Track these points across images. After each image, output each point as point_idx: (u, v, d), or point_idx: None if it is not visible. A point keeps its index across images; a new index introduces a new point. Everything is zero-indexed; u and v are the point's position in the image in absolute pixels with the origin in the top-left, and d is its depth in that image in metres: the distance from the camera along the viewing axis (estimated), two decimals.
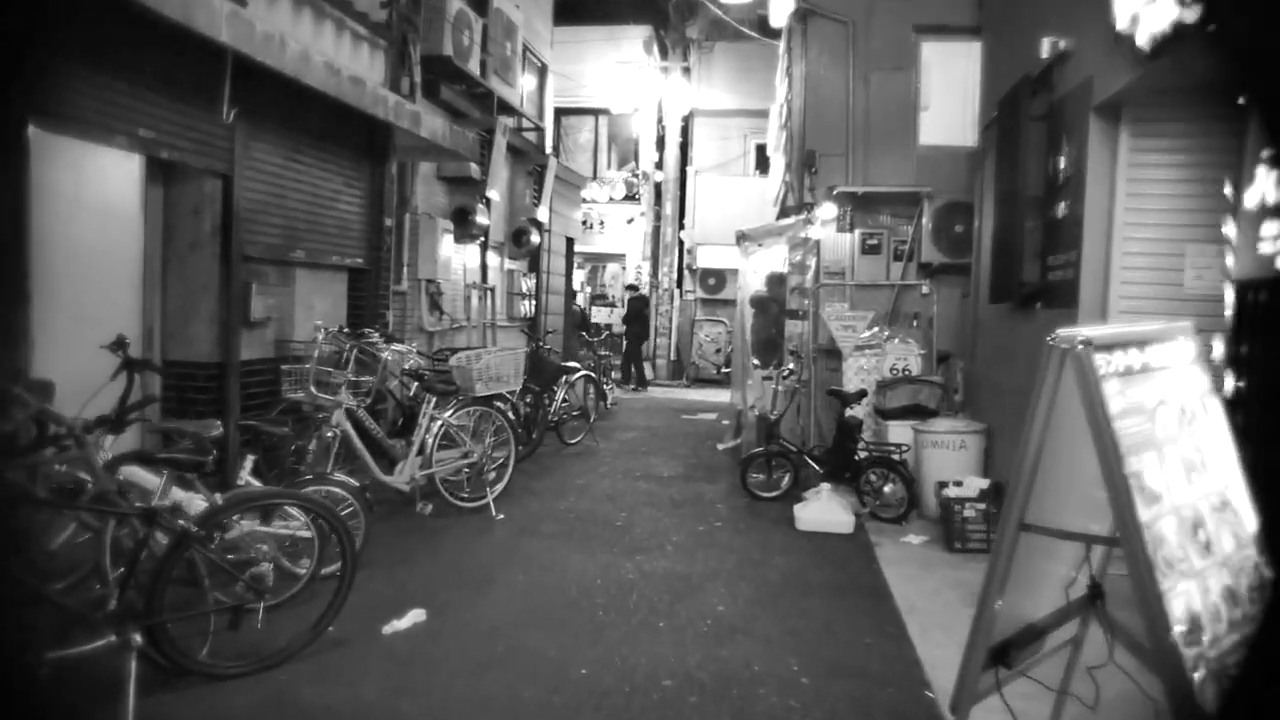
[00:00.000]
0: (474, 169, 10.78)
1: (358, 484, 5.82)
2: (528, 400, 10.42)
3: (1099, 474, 2.60)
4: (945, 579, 6.03)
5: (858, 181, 10.05)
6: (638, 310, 19.23)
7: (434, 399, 7.27)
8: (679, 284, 23.12)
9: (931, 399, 8.38)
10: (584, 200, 20.94)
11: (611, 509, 7.94)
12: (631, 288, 20.97)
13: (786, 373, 8.89)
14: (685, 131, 23.25)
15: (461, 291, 11.30)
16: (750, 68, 22.81)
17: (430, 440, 7.21)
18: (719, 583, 5.93)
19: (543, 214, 13.74)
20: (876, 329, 9.37)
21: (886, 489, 7.60)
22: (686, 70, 22.82)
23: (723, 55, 23.22)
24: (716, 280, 22.88)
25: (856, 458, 7.79)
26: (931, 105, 10.35)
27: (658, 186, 22.78)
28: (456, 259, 11.26)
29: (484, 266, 12.03)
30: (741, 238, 10.56)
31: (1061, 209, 6.39)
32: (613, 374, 16.08)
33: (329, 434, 6.46)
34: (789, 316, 10.46)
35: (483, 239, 11.87)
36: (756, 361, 10.99)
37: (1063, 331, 2.61)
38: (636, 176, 22.79)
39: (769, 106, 21.18)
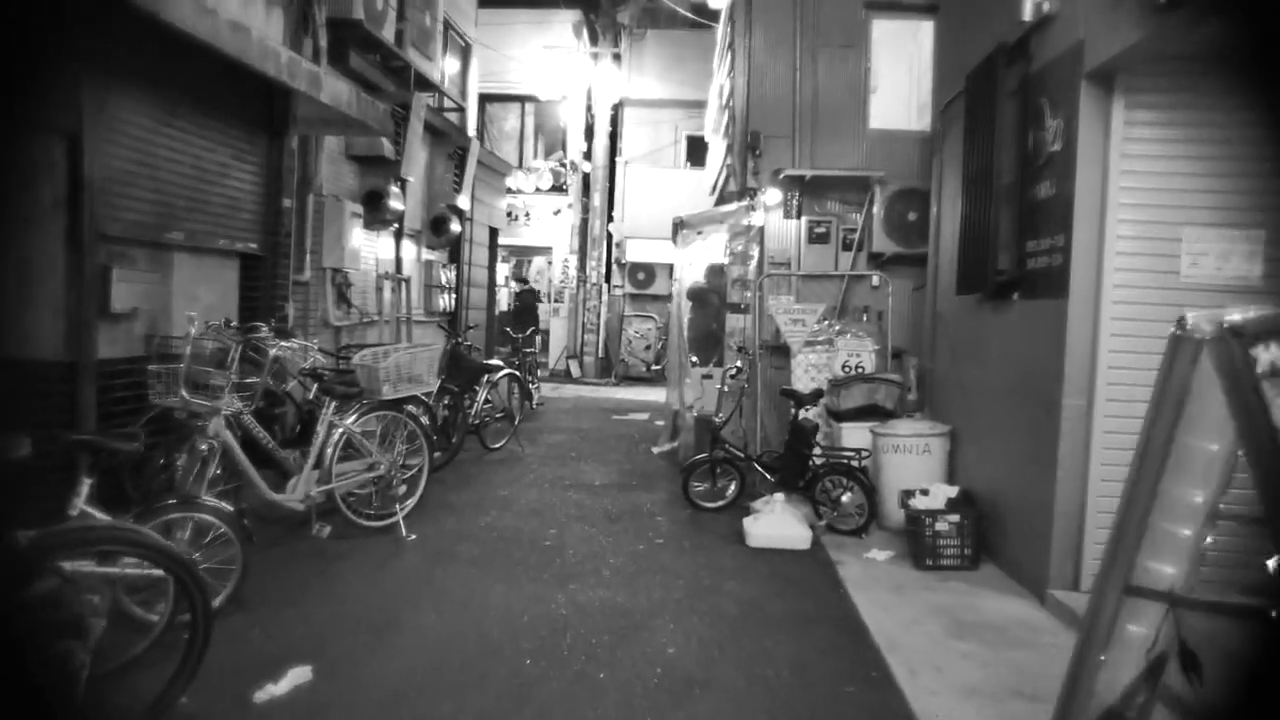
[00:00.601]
0: (387, 147, 9.79)
1: (231, 508, 4.87)
2: (446, 402, 9.48)
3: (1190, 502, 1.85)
4: (924, 605, 5.29)
5: (805, 165, 9.33)
6: (529, 305, 18.56)
7: (334, 403, 6.32)
8: (607, 278, 22.29)
9: (889, 399, 7.69)
10: (509, 190, 19.99)
11: (539, 525, 7.07)
12: (521, 280, 20.26)
13: (733, 371, 8.10)
14: (615, 121, 22.40)
15: (373, 283, 10.30)
16: (683, 56, 22.09)
17: (329, 451, 6.26)
18: (667, 617, 5.10)
19: (464, 201, 12.78)
20: (827, 322, 8.65)
21: (844, 499, 6.87)
22: (617, 57, 21.97)
23: (655, 43, 22.44)
24: (646, 275, 22.10)
25: (811, 464, 7.05)
26: (881, 87, 9.69)
27: (586, 177, 21.90)
28: (368, 247, 10.25)
29: (399, 256, 11.02)
30: (679, 226, 9.77)
31: (1044, 189, 5.71)
32: (539, 371, 15.16)
33: (203, 446, 5.46)
34: (730, 310, 9.70)
35: (397, 226, 10.88)
36: (695, 359, 10.22)
37: (1195, 315, 1.83)
38: (564, 166, 21.89)
39: (702, 97, 20.54)
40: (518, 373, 11.52)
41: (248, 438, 6.05)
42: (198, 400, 5.51)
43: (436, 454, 7.21)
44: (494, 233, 15.78)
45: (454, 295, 13.26)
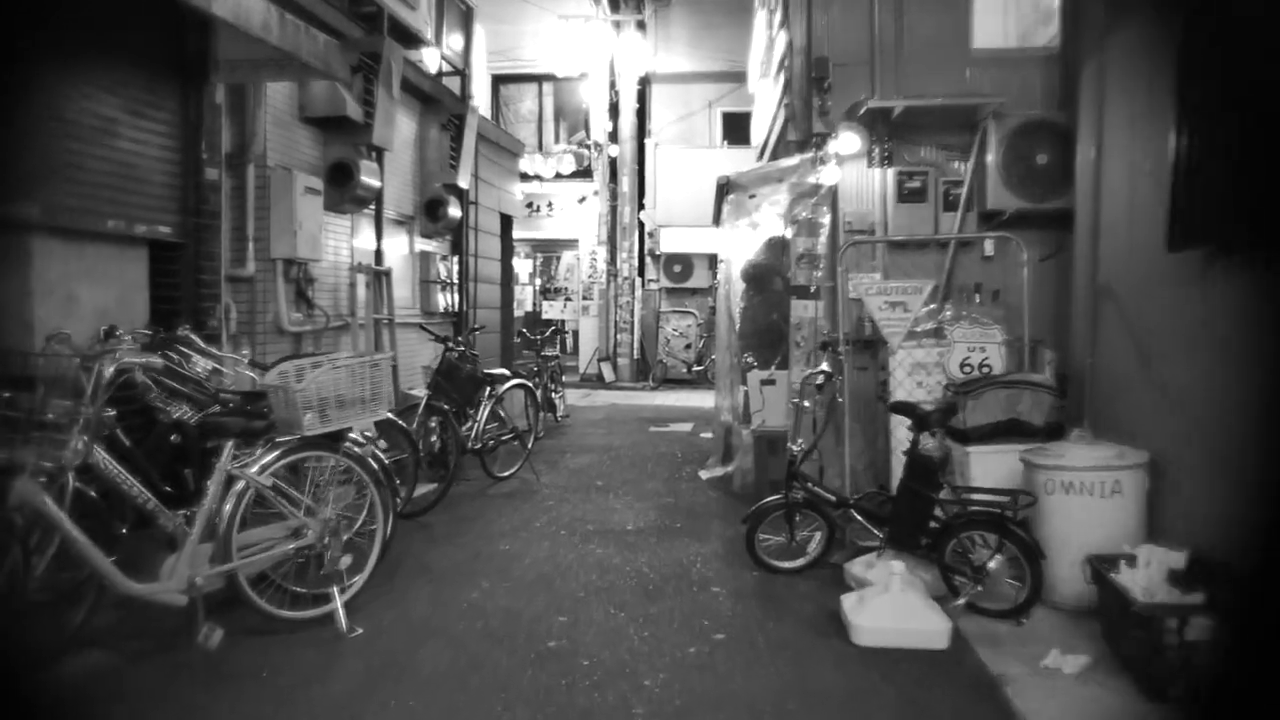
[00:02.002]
0: (351, 105, 7.69)
1: None
2: (433, 424, 7.37)
3: None
4: None
5: (889, 97, 7.07)
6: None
7: (230, 444, 4.22)
8: (640, 272, 20.12)
9: (1037, 411, 5.44)
10: (527, 176, 17.96)
11: (545, 607, 4.92)
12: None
13: (818, 379, 5.85)
14: (642, 98, 20.25)
15: (346, 278, 8.21)
16: (714, 24, 19.91)
17: (227, 512, 4.16)
18: None
19: (464, 179, 10.66)
20: (932, 307, 6.42)
21: (991, 564, 4.62)
22: (641, 25, 19.80)
23: (683, 9, 20.28)
24: (683, 267, 19.93)
25: (939, 513, 4.83)
26: None
27: (612, 161, 19.76)
28: (336, 234, 8.18)
29: (379, 245, 8.92)
30: (726, 188, 7.57)
31: None
32: (562, 379, 13.02)
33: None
34: (796, 295, 7.49)
35: (374, 207, 8.78)
36: (752, 359, 8.01)
37: None
38: (587, 148, 19.74)
39: (737, 68, 18.50)
40: (529, 383, 9.38)
41: (106, 489, 4.02)
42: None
43: (397, 506, 5.07)
44: (507, 221, 13.67)
45: (457, 292, 11.16)
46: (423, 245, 10.37)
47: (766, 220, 7.96)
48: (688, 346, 19.64)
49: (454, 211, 10.48)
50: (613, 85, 19.69)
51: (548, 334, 12.54)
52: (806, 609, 4.87)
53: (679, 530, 6.68)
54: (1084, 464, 4.65)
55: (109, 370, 3.82)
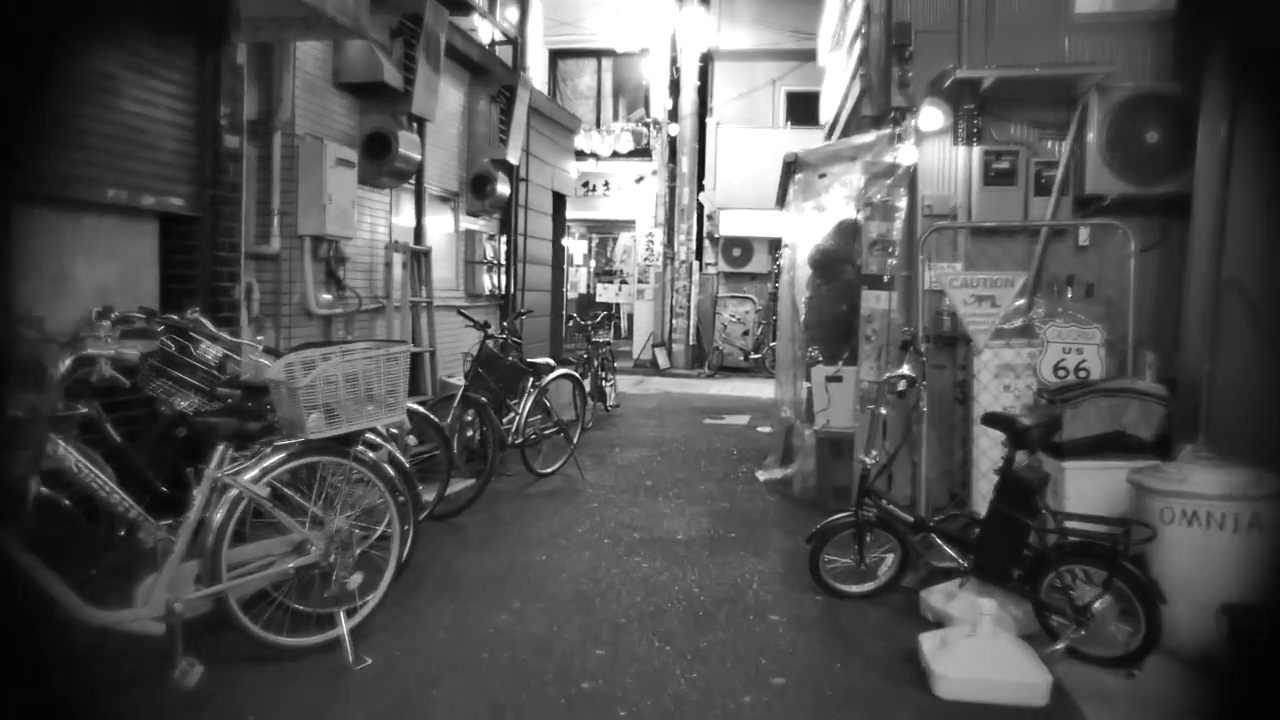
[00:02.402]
0: (388, 70, 7.16)
1: None
2: (469, 417, 6.86)
3: None
4: None
5: (978, 67, 6.34)
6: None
7: (223, 446, 3.72)
8: (698, 255, 19.46)
9: (1145, 423, 4.75)
10: (582, 154, 17.45)
11: (581, 635, 4.36)
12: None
13: (899, 384, 5.14)
14: (704, 76, 19.54)
15: (381, 257, 7.72)
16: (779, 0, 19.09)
17: (216, 524, 3.66)
18: None
19: (513, 155, 10.12)
20: (1021, 303, 5.71)
21: (1098, 605, 3.95)
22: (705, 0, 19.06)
23: None
24: (742, 250, 19.23)
25: (1035, 542, 4.16)
26: None
27: (672, 141, 19.10)
28: (374, 210, 7.68)
29: (419, 222, 8.42)
30: (793, 166, 6.92)
31: None
32: (614, 365, 12.44)
33: None
34: (869, 285, 6.82)
35: (414, 181, 8.28)
36: (818, 353, 7.36)
37: None
38: (646, 126, 19.09)
39: (804, 46, 17.72)
40: (576, 373, 8.82)
41: (79, 493, 3.55)
42: None
43: (416, 519, 4.54)
44: (560, 200, 13.11)
45: (505, 274, 10.65)
46: (468, 223, 9.86)
47: (836, 203, 7.28)
48: (745, 333, 18.97)
49: (502, 188, 9.95)
50: (674, 62, 19.02)
51: (599, 319, 11.96)
52: (878, 647, 4.25)
53: (734, 541, 6.08)
54: (1212, 491, 3.95)
55: (65, 363, 3.32)
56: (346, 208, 6.88)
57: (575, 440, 8.29)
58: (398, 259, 7.60)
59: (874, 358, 6.84)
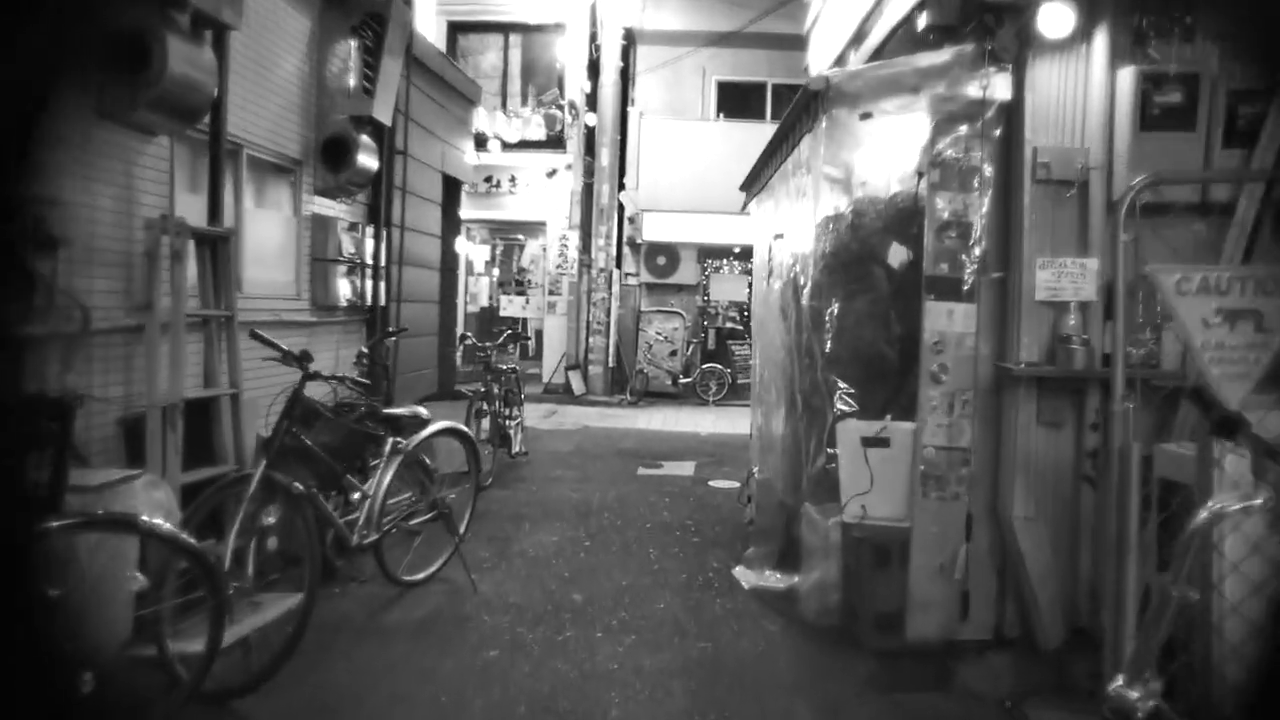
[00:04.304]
0: None
1: None
2: (268, 518, 3.96)
3: None
4: None
5: None
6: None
7: None
8: (618, 263, 16.76)
9: None
10: (484, 137, 14.67)
11: None
12: None
13: (1269, 501, 2.29)
14: (627, 58, 16.89)
15: (142, 243, 4.76)
16: None
17: None
18: None
19: (382, 111, 7.24)
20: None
21: None
22: None
23: None
24: (668, 259, 16.64)
25: None
26: None
27: (590, 131, 16.38)
28: (133, 168, 4.74)
29: (216, 193, 5.46)
30: (820, 95, 4.21)
31: None
32: (522, 396, 9.55)
33: None
34: (936, 296, 4.22)
35: (208, 125, 5.34)
36: (847, 399, 4.65)
37: None
38: (560, 109, 16.33)
39: (735, 28, 15.47)
40: (464, 426, 5.97)
41: None
42: None
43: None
44: (453, 185, 10.27)
45: (374, 278, 7.75)
46: (317, 206, 6.98)
47: (884, 162, 4.64)
48: (673, 353, 16.34)
49: (368, 160, 7.10)
50: (593, 39, 16.32)
51: (503, 338, 9.13)
52: None
53: None
54: None
55: None
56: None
57: (464, 526, 5.46)
58: (167, 245, 4.65)
59: (944, 410, 4.24)
